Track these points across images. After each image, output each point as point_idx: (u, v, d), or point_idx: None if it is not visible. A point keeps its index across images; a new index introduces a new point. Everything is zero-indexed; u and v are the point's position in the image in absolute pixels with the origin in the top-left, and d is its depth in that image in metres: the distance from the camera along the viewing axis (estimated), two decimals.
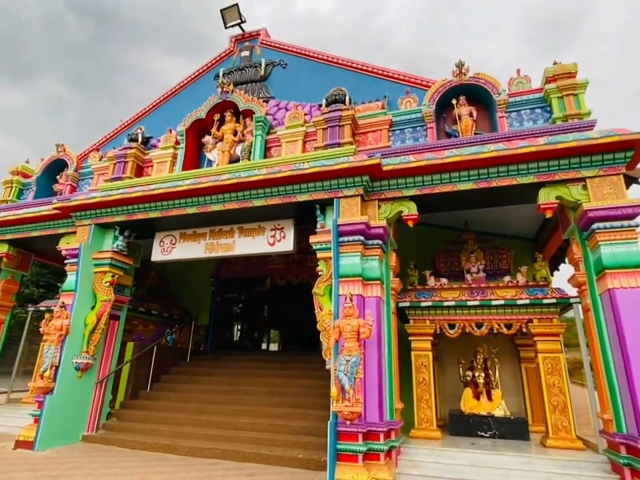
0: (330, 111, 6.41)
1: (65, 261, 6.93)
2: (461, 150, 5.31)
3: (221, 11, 8.14)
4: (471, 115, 6.07)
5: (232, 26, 8.32)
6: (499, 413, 6.40)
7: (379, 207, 5.68)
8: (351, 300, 4.99)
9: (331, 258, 5.55)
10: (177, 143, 7.68)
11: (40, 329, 6.48)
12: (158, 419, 6.81)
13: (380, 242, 5.45)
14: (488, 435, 6.13)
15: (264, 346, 10.49)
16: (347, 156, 5.82)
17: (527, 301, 5.93)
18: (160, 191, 6.30)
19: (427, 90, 6.58)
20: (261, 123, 6.91)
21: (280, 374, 7.90)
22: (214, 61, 8.61)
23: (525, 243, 8.46)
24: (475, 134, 5.97)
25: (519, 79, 6.06)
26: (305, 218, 6.37)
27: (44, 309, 8.84)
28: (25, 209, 7.89)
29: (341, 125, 6.28)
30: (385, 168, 5.39)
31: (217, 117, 7.38)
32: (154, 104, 8.82)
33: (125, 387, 7.64)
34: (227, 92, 7.29)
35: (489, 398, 6.61)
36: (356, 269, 5.23)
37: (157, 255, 7.09)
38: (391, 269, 5.81)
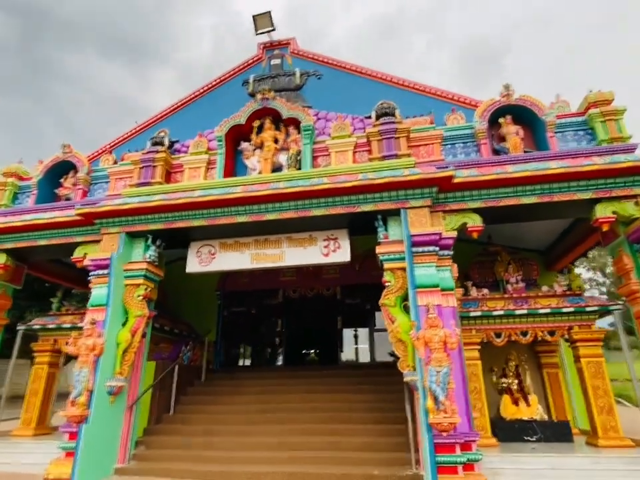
0: (383, 123, 6.47)
1: (91, 273, 6.24)
2: (524, 165, 5.62)
3: (254, 16, 7.96)
4: (517, 133, 6.43)
5: (262, 33, 8.17)
6: (537, 417, 6.69)
7: (444, 218, 5.80)
8: (434, 310, 5.00)
9: (399, 269, 5.56)
10: (209, 148, 7.32)
11: (69, 348, 5.76)
12: (197, 445, 6.28)
13: (451, 252, 5.55)
14: (534, 439, 6.34)
15: (279, 362, 10.09)
16: (407, 168, 5.90)
17: (572, 309, 6.32)
18: (211, 198, 5.94)
19: (468, 108, 6.91)
20: (309, 132, 6.80)
21: (313, 389, 7.64)
22: (242, 67, 8.36)
23: (534, 255, 9.00)
24: (524, 152, 6.34)
25: (559, 103, 6.55)
26: (357, 228, 6.35)
27: (38, 326, 7.86)
28: (31, 215, 7.04)
29: (396, 137, 6.36)
30: (454, 180, 5.53)
31: (256, 123, 7.14)
32: (172, 108, 8.37)
33: (149, 411, 6.96)
34: (268, 99, 7.10)
35: (527, 403, 6.89)
36: (433, 279, 5.27)
37: (194, 266, 6.65)
38: (453, 279, 5.91)
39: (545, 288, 6.82)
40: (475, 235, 5.74)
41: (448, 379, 4.74)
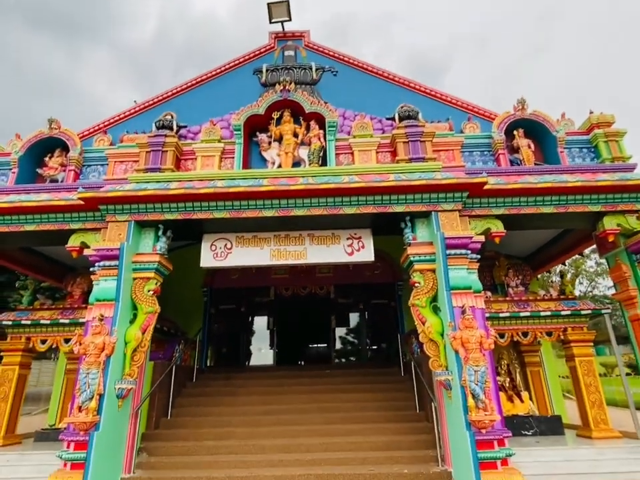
0: (409, 126, 6.56)
1: (97, 264, 5.65)
2: (544, 177, 5.99)
3: (268, 4, 7.65)
4: (529, 146, 6.83)
5: (277, 22, 7.90)
6: (531, 412, 7.16)
7: (469, 222, 6.00)
8: (470, 311, 5.15)
9: (429, 270, 5.67)
10: (220, 136, 6.96)
11: (74, 348, 5.15)
12: (206, 450, 5.92)
13: (478, 256, 5.75)
14: (530, 433, 6.79)
15: (271, 361, 9.81)
16: (436, 171, 6.03)
17: (568, 312, 6.84)
18: (238, 189, 5.63)
19: (482, 118, 7.23)
20: (334, 128, 6.72)
21: (315, 389, 7.53)
22: (252, 55, 8.03)
23: (515, 261, 9.61)
24: (535, 164, 6.75)
25: (564, 120, 7.05)
26: (379, 228, 6.37)
27: (9, 322, 6.96)
28: (13, 195, 6.21)
29: (422, 140, 6.48)
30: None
31: (276, 114, 6.90)
32: (175, 91, 7.82)
33: (147, 415, 6.43)
34: (289, 91, 6.89)
35: (521, 400, 7.35)
36: (466, 281, 5.42)
37: (209, 260, 6.26)
38: None
39: (542, 292, 7.32)
40: (497, 241, 6.01)
41: (485, 377, 4.91)
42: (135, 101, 7.61)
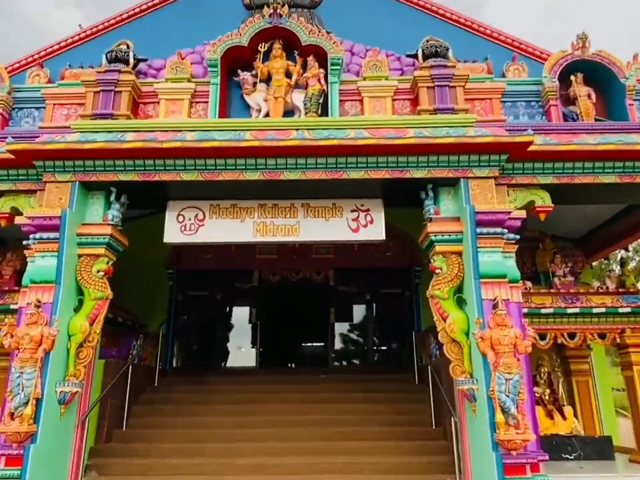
0: (435, 66, 6.48)
1: (31, 237, 5.67)
2: (605, 137, 5.95)
3: None
4: (589, 96, 6.77)
5: None
6: (574, 432, 7.37)
7: (508, 194, 6.00)
8: (503, 306, 5.23)
9: (454, 253, 5.72)
10: (191, 75, 6.89)
11: (4, 340, 5.24)
12: (170, 469, 6.11)
13: (517, 237, 5.79)
14: (573, 457, 7.00)
15: (253, 363, 10.01)
16: (467, 126, 5.98)
17: (628, 309, 6.94)
18: (213, 144, 5.60)
19: (531, 58, 7.14)
20: (338, 68, 6.65)
21: (305, 398, 7.72)
22: None
23: (564, 244, 9.65)
24: (595, 119, 6.71)
25: (636, 64, 6.96)
26: (392, 199, 6.39)
27: None
28: None
29: (451, 85, 6.43)
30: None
31: (263, 47, 6.80)
32: (132, 12, 7.70)
33: (97, 426, 6.60)
34: (281, 15, 6.78)
35: (563, 416, 7.54)
36: (500, 267, 5.48)
37: (175, 235, 6.30)
38: None
39: (596, 283, 7.41)
40: (542, 217, 6.03)
41: (519, 388, 5.03)
42: (80, 25, 7.47)
